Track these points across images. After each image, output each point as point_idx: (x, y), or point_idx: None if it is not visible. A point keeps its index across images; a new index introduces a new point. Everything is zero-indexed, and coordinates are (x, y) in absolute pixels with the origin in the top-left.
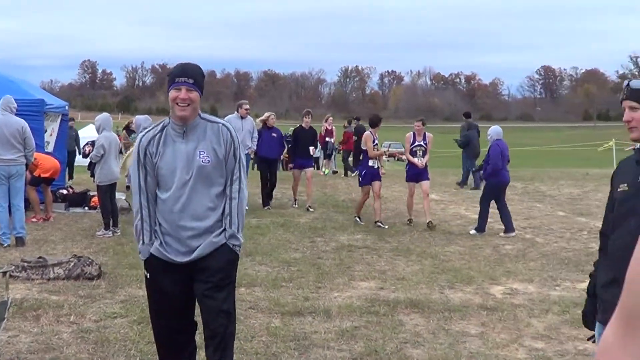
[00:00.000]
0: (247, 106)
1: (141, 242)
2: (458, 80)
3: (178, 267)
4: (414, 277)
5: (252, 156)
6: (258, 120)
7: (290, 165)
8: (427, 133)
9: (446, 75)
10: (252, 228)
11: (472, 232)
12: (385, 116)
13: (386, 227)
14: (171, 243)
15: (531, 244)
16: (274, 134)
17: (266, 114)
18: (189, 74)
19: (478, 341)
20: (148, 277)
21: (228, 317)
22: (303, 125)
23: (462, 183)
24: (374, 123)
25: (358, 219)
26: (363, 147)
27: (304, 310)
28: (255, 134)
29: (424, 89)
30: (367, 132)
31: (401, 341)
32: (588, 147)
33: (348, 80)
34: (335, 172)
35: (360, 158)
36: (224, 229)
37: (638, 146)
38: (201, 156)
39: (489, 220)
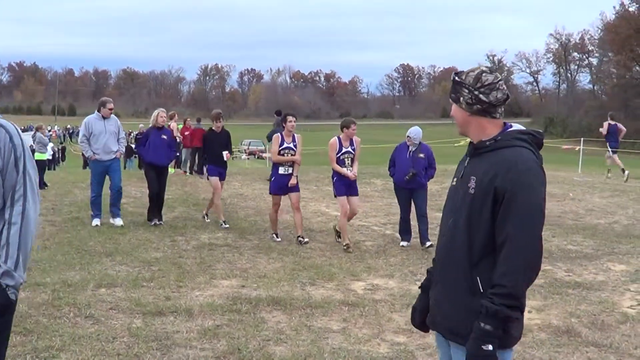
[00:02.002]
0: (111, 105)
1: None
2: (318, 78)
3: None
4: (276, 275)
5: (121, 159)
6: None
7: (205, 173)
8: (354, 138)
9: (306, 74)
10: (111, 228)
11: (404, 244)
12: (245, 114)
13: (307, 240)
14: None
15: (391, 239)
16: (164, 136)
17: (156, 111)
18: None
19: (340, 337)
20: None
21: None
22: (214, 128)
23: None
24: (280, 122)
25: (275, 236)
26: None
27: (165, 310)
28: (122, 135)
29: (283, 87)
30: (275, 134)
31: (264, 339)
32: (446, 144)
33: (208, 78)
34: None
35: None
36: None
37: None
38: None
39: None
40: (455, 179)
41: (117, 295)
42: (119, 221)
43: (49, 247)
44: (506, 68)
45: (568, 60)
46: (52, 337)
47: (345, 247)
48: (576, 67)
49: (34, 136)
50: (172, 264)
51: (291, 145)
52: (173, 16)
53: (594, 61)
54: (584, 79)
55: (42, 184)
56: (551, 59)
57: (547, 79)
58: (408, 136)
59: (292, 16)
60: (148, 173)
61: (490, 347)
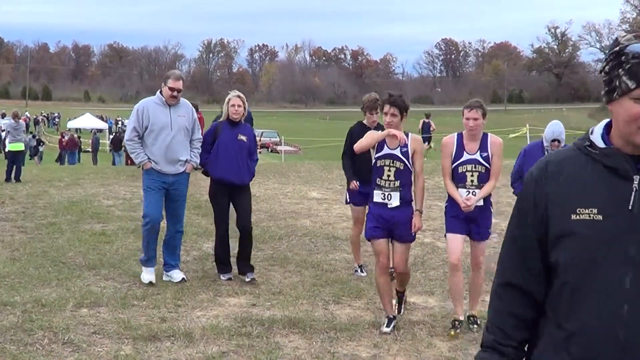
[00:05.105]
0: (176, 82)
1: None
2: (343, 56)
3: None
4: (293, 291)
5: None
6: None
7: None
8: (489, 135)
9: (329, 51)
10: (95, 235)
11: None
12: (255, 99)
13: (392, 325)
14: None
15: (431, 249)
16: (243, 136)
17: (228, 96)
18: None
19: None
20: None
21: None
22: (366, 122)
23: None
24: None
25: (388, 323)
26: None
27: (160, 334)
28: (198, 135)
29: (302, 66)
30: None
31: None
32: (498, 134)
33: (211, 56)
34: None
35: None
36: None
37: (600, 143)
38: None
39: None
40: (590, 210)
41: (102, 317)
42: (177, 275)
43: (18, 259)
44: (571, 43)
45: None
46: None
47: (452, 326)
48: None
49: (16, 126)
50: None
51: (397, 152)
52: None
53: None
54: None
55: (18, 178)
56: (628, 30)
57: None
58: (556, 140)
59: None
60: (215, 196)
61: None
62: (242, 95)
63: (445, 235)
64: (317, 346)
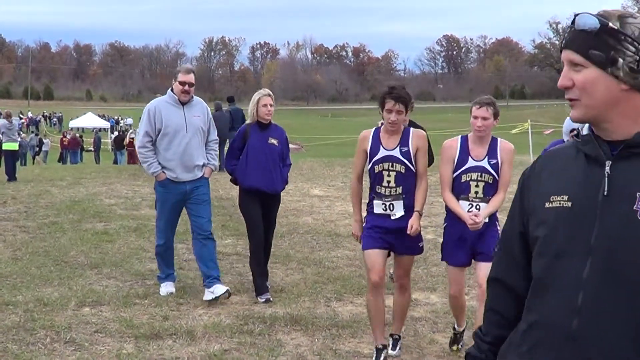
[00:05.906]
0: (188, 76)
1: None
2: (344, 53)
3: None
4: (295, 289)
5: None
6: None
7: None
8: (499, 140)
9: (330, 48)
10: (97, 234)
11: None
12: None
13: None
14: None
15: (433, 245)
16: (273, 140)
17: (257, 95)
18: None
19: None
20: None
21: None
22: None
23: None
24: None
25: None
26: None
27: (162, 332)
28: (214, 136)
29: (303, 64)
30: (364, 131)
31: None
32: (500, 130)
33: (213, 54)
34: None
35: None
36: None
37: (585, 130)
38: None
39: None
40: (562, 197)
41: (104, 315)
42: (219, 289)
43: (20, 259)
44: None
45: None
46: None
47: (454, 340)
48: None
49: (9, 126)
50: None
51: (396, 152)
52: None
53: None
54: None
55: (13, 177)
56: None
57: None
58: (574, 130)
59: None
60: (246, 207)
61: None
62: (272, 93)
63: (446, 259)
64: (319, 343)
